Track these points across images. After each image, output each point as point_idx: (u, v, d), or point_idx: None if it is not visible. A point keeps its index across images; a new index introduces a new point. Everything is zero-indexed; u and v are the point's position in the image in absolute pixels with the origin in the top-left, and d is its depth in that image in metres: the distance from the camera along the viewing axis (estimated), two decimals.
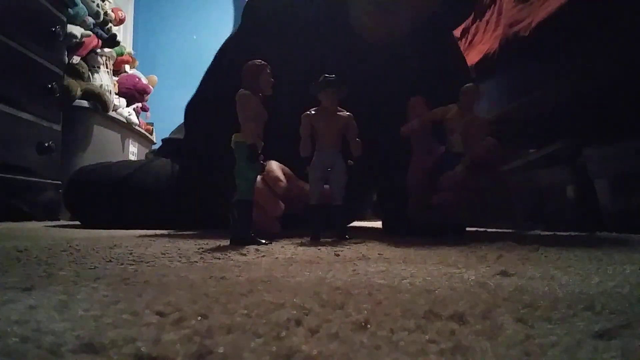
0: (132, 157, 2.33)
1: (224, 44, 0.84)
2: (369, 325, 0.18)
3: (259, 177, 0.58)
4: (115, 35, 2.18)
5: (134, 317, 0.18)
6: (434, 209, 0.58)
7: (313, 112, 0.57)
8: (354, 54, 0.77)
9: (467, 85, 0.59)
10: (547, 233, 0.81)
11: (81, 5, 1.87)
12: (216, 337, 0.16)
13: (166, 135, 1.28)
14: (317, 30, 0.76)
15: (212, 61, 0.84)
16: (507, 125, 1.27)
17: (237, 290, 0.24)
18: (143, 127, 2.56)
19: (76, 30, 1.82)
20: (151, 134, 2.70)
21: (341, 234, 0.59)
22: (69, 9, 1.73)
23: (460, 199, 0.57)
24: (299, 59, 0.74)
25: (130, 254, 0.41)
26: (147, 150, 2.44)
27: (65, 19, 1.57)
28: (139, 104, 2.49)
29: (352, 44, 0.76)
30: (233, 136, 0.50)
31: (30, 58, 1.35)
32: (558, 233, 0.79)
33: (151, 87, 2.59)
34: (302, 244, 0.51)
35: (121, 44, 2.34)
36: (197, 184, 0.81)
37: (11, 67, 1.26)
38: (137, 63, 2.67)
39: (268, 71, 0.50)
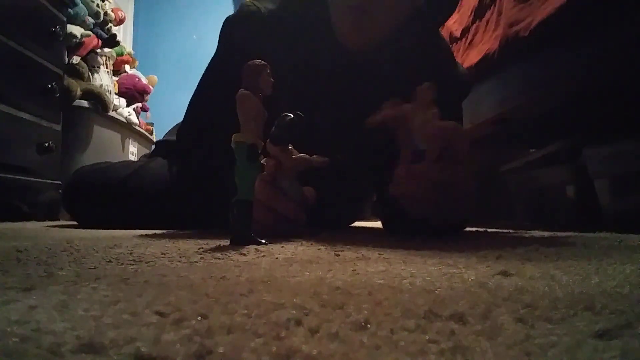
0: (132, 157, 2.33)
1: (206, 70, 0.83)
2: (369, 325, 0.18)
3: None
4: (115, 35, 2.18)
5: (134, 317, 0.18)
6: (391, 200, 0.56)
7: None
8: (340, 63, 0.75)
9: (425, 83, 0.58)
10: (547, 233, 0.81)
11: (81, 5, 1.87)
12: (216, 337, 0.16)
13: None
14: (298, 49, 0.74)
15: (197, 87, 0.83)
16: (507, 125, 1.27)
17: (237, 290, 0.24)
18: (143, 127, 2.56)
19: (76, 30, 1.82)
20: (151, 134, 2.70)
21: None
22: (69, 9, 1.73)
23: (421, 192, 0.54)
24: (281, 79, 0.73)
25: (130, 254, 0.41)
26: (148, 151, 2.44)
27: (65, 19, 1.57)
28: (139, 104, 2.49)
29: (337, 55, 0.74)
30: (233, 136, 0.50)
31: (30, 58, 1.34)
32: (558, 233, 0.79)
33: (151, 87, 2.59)
34: (302, 244, 0.51)
35: (121, 44, 2.34)
36: (197, 185, 0.81)
37: (11, 67, 1.26)
38: (137, 63, 2.67)
39: (268, 71, 0.50)
